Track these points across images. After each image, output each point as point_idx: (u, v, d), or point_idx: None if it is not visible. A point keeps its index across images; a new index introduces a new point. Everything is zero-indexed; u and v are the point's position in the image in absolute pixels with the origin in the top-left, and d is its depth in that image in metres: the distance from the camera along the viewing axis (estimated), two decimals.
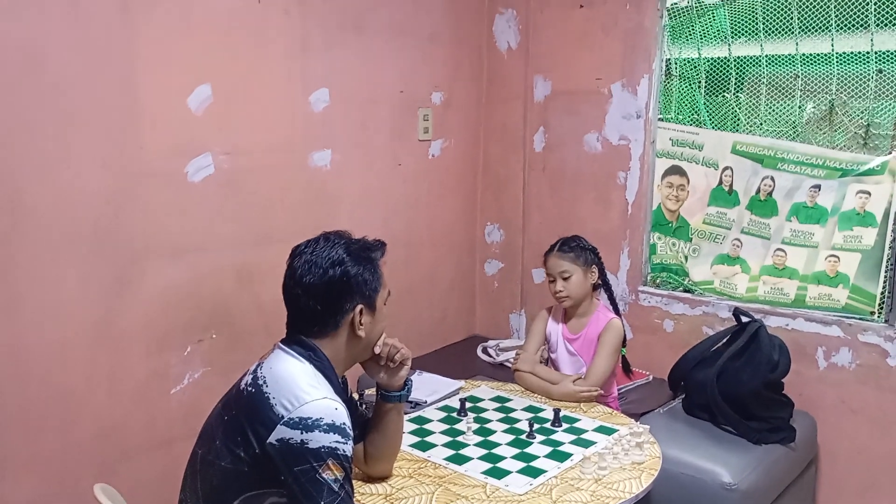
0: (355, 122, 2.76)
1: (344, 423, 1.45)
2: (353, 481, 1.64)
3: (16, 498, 1.98)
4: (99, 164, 2.06)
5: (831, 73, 2.66)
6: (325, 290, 1.54)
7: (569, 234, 2.60)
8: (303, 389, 1.45)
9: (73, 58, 1.98)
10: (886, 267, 2.52)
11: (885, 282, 2.53)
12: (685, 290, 2.96)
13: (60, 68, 1.96)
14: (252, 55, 2.39)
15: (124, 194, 2.13)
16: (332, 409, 1.44)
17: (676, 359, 2.57)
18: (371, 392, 1.80)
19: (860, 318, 2.57)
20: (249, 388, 1.50)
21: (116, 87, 2.08)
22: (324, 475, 1.40)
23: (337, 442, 1.42)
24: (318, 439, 1.40)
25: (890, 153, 2.52)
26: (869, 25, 2.56)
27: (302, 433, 1.40)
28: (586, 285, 2.39)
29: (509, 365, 2.97)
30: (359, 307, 1.56)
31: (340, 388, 1.58)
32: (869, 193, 2.55)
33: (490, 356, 3.10)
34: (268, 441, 1.41)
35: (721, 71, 2.88)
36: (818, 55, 2.70)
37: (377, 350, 1.66)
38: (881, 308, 2.55)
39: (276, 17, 2.43)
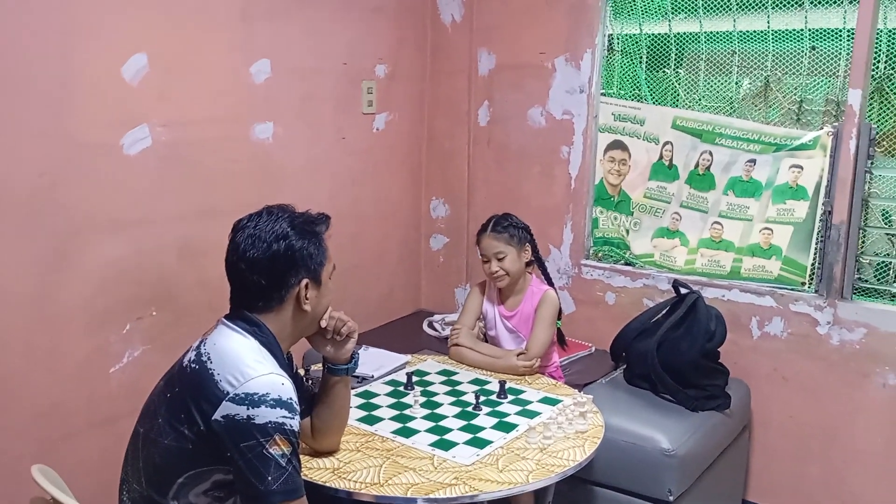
0: (298, 95, 2.71)
1: (290, 398, 1.44)
2: (301, 456, 1.64)
3: None
4: (32, 135, 1.98)
5: (767, 51, 2.72)
6: (270, 265, 1.52)
7: (512, 208, 2.63)
8: (248, 365, 1.44)
9: (4, 26, 1.89)
10: (817, 239, 2.61)
11: (815, 253, 2.62)
12: (626, 264, 3.02)
13: None
14: (190, 23, 2.32)
15: (60, 167, 2.05)
16: (278, 384, 1.43)
17: (618, 330, 2.63)
18: (317, 368, 1.79)
19: (792, 289, 2.66)
20: (193, 365, 1.48)
21: (49, 54, 1.99)
22: (271, 450, 1.39)
23: (284, 417, 1.41)
24: (264, 415, 1.39)
25: (822, 128, 2.60)
26: (803, 4, 2.62)
27: (248, 409, 1.39)
28: (520, 264, 2.42)
29: None
30: (304, 281, 1.55)
31: (286, 364, 1.57)
32: (801, 168, 2.64)
33: (436, 330, 3.11)
34: (213, 418, 1.40)
35: (662, 47, 2.92)
36: (755, 32, 2.76)
37: (323, 324, 1.65)
38: (811, 279, 2.64)
39: None
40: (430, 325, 3.16)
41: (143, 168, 2.25)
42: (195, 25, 2.33)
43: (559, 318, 2.49)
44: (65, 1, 2.00)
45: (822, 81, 2.65)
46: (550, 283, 2.53)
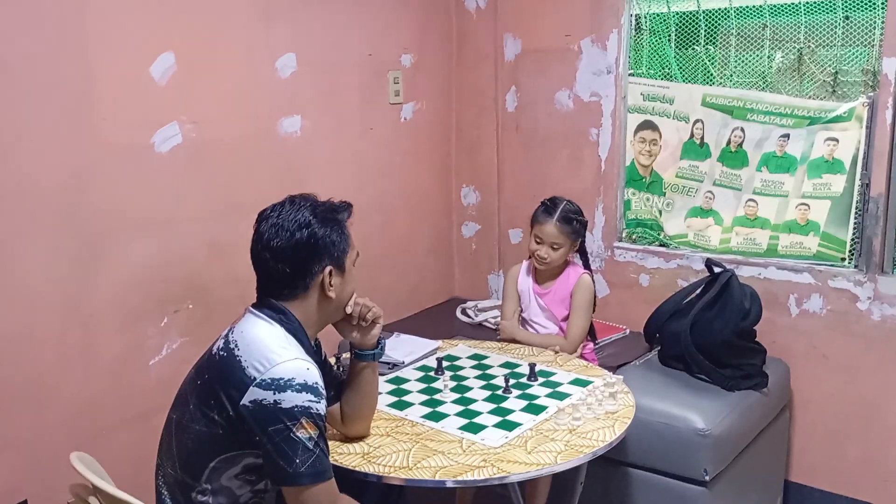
0: (324, 88, 2.74)
1: (316, 383, 1.46)
2: (331, 442, 1.67)
3: None
4: (60, 139, 2.03)
5: (799, 23, 2.66)
6: (293, 253, 1.54)
7: (542, 193, 2.62)
8: (274, 351, 1.47)
9: (28, 29, 1.94)
10: (855, 213, 2.55)
11: (854, 228, 2.56)
12: (660, 245, 2.98)
13: (13, 41, 1.92)
14: (216, 21, 2.36)
15: (89, 168, 2.10)
16: (303, 368, 1.46)
17: (652, 312, 2.60)
18: (348, 356, 1.82)
19: (830, 265, 2.61)
20: (221, 353, 1.52)
21: (77, 56, 2.04)
22: (298, 434, 1.42)
23: (310, 401, 1.44)
24: (290, 399, 1.42)
25: (857, 100, 2.53)
26: None
27: (275, 394, 1.42)
28: (568, 255, 2.43)
29: (487, 325, 3.01)
30: (328, 268, 1.57)
31: (312, 350, 1.60)
32: (837, 140, 2.57)
33: (469, 317, 3.12)
34: (241, 403, 1.43)
35: (690, 24, 2.87)
36: (786, 5, 2.70)
37: (348, 310, 1.67)
38: (851, 254, 2.58)
39: None
40: (464, 312, 3.17)
41: (173, 165, 2.29)
42: (220, 23, 2.37)
43: (594, 304, 2.49)
44: (93, 3, 2.05)
45: (857, 52, 2.58)
46: (587, 267, 2.52)
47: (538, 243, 2.41)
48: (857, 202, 2.55)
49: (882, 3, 2.45)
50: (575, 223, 2.41)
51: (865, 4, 2.51)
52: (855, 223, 2.56)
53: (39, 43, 1.98)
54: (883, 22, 2.44)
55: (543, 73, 3.09)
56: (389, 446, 1.77)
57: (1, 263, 1.95)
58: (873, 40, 2.51)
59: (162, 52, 2.22)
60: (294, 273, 1.56)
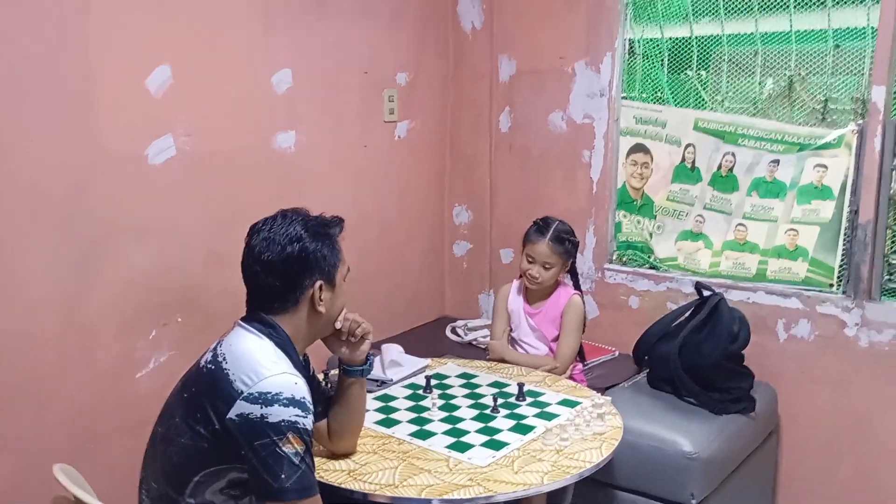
0: (320, 104, 2.75)
1: (304, 398, 1.46)
2: (317, 458, 1.66)
3: None
4: (58, 147, 2.03)
5: (790, 50, 2.69)
6: (284, 267, 1.54)
7: (535, 214, 2.63)
8: (262, 365, 1.47)
9: (27, 39, 1.95)
10: (844, 239, 2.57)
11: (842, 254, 2.58)
12: (650, 267, 3.00)
13: (13, 50, 1.93)
14: (213, 35, 2.37)
15: (86, 178, 2.10)
16: (291, 383, 1.45)
17: (641, 334, 2.61)
18: (336, 372, 1.81)
19: (819, 290, 2.62)
20: (209, 366, 1.51)
21: (76, 66, 2.05)
22: (284, 449, 1.41)
23: (297, 416, 1.43)
24: (277, 413, 1.41)
25: (846, 127, 2.56)
26: (826, 3, 2.59)
27: (262, 408, 1.41)
28: (559, 275, 2.44)
29: (477, 344, 3.01)
30: (318, 283, 1.57)
31: (301, 365, 1.59)
32: (826, 167, 2.60)
33: (458, 336, 3.12)
34: (227, 416, 1.42)
35: (683, 49, 2.90)
36: (777, 33, 2.74)
37: (338, 325, 1.67)
38: (839, 280, 2.60)
39: None
40: (453, 331, 3.17)
41: (167, 177, 2.30)
42: (217, 37, 2.38)
43: (584, 325, 2.50)
44: (91, 14, 2.06)
45: (847, 80, 2.62)
46: (578, 288, 2.53)
47: (530, 262, 2.42)
48: (845, 228, 2.57)
49: (872, 33, 2.49)
50: (567, 243, 2.42)
51: (856, 34, 2.55)
52: (843, 249, 2.58)
53: (43, 51, 1.98)
54: (873, 51, 2.48)
55: (537, 95, 3.11)
56: (376, 463, 1.76)
57: (0, 264, 1.95)
58: (863, 69, 2.54)
59: (158, 64, 2.23)
60: (284, 287, 1.56)
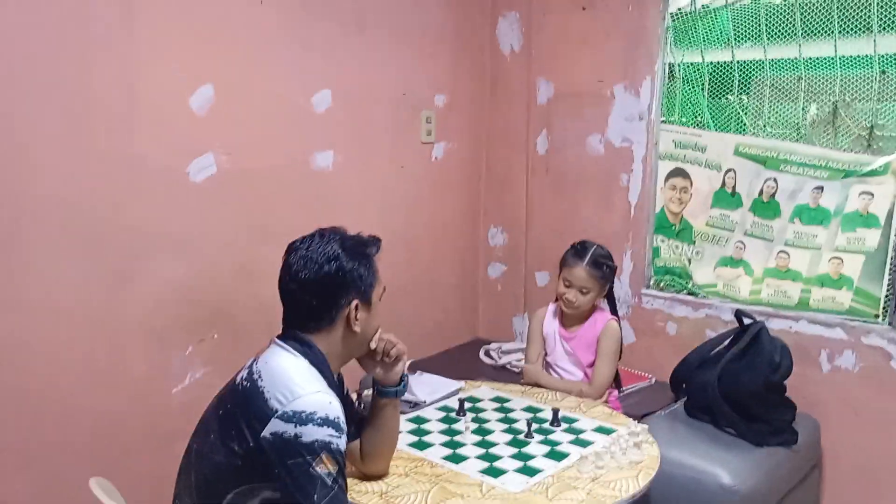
0: (358, 124, 2.77)
1: (338, 418, 1.45)
2: (349, 479, 1.64)
3: (12, 495, 1.99)
4: (99, 162, 2.07)
5: (835, 76, 2.65)
6: (321, 286, 1.54)
7: (571, 238, 2.60)
8: (297, 384, 1.46)
9: (74, 56, 2.00)
10: (890, 269, 2.50)
11: (888, 284, 2.51)
12: (688, 293, 2.95)
13: (61, 67, 1.97)
14: (254, 56, 2.40)
15: (125, 193, 2.14)
16: (325, 402, 1.44)
17: (679, 361, 2.56)
18: (370, 392, 1.80)
19: (864, 321, 2.55)
20: (245, 383, 1.51)
21: (117, 86, 2.09)
22: (317, 469, 1.40)
23: (331, 436, 1.42)
24: (311, 433, 1.40)
25: (893, 154, 2.50)
26: (872, 28, 2.55)
27: (296, 427, 1.41)
28: (596, 299, 2.41)
29: (511, 368, 2.98)
30: (354, 302, 1.57)
31: (336, 384, 1.58)
32: (872, 194, 2.54)
33: (492, 359, 3.09)
34: (262, 435, 1.42)
35: (724, 74, 2.88)
36: (822, 59, 2.70)
37: (373, 345, 1.66)
38: (885, 311, 2.53)
39: (278, 17, 2.45)
40: (487, 354, 3.14)
41: (206, 194, 2.32)
42: (259, 57, 2.42)
43: (621, 351, 2.46)
44: (137, 35, 2.11)
45: (893, 106, 2.56)
46: (615, 313, 2.50)
47: (567, 287, 2.39)
48: (891, 258, 2.50)
49: None
50: (605, 268, 2.39)
51: None
52: (889, 279, 2.51)
53: (90, 66, 2.03)
54: None
55: (575, 117, 3.10)
56: (408, 486, 1.74)
57: (36, 278, 1.99)
58: None
59: (202, 84, 2.27)
60: (321, 305, 1.55)
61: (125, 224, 2.15)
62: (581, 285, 2.37)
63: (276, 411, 1.42)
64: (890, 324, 2.51)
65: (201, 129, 2.29)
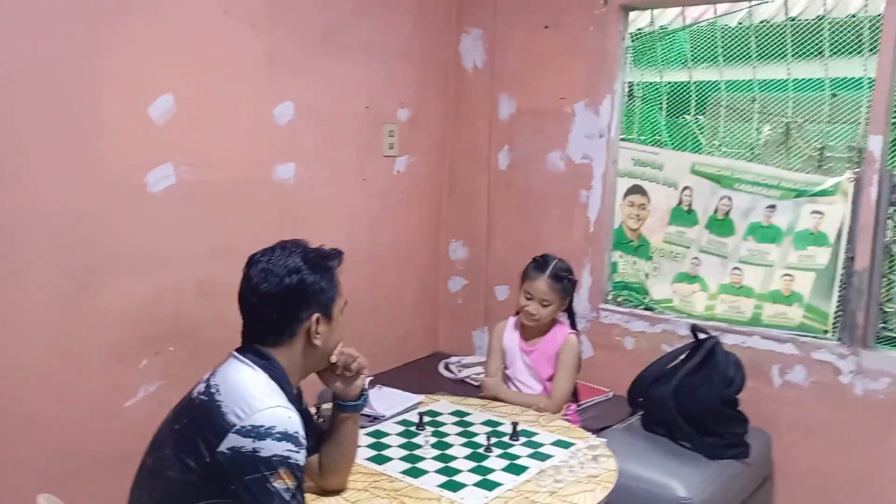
0: (320, 137, 2.76)
1: (297, 432, 1.43)
2: (307, 494, 1.62)
3: None
4: (57, 173, 2.04)
5: (787, 98, 2.73)
6: (282, 299, 1.53)
7: (531, 252, 2.63)
8: (255, 397, 1.44)
9: (35, 66, 1.96)
10: (839, 286, 2.57)
11: (838, 301, 2.58)
12: (646, 308, 2.99)
13: (20, 76, 1.94)
14: (217, 67, 2.39)
15: (83, 204, 2.10)
16: (285, 417, 1.43)
17: (636, 375, 2.59)
18: (328, 406, 1.79)
19: (814, 337, 2.62)
20: (202, 397, 1.48)
21: (77, 95, 2.06)
22: (275, 484, 1.38)
23: (289, 451, 1.40)
24: (270, 448, 1.39)
25: (843, 175, 2.58)
26: (823, 52, 2.64)
27: (254, 441, 1.39)
28: (557, 313, 2.43)
29: (470, 382, 2.99)
30: (315, 316, 1.56)
31: (295, 398, 1.57)
32: (822, 213, 2.61)
33: (452, 372, 3.10)
34: (218, 449, 1.39)
35: (682, 94, 2.94)
36: (775, 81, 2.78)
37: (333, 359, 1.64)
38: (835, 327, 2.60)
39: (242, 29, 2.44)
40: (447, 368, 3.15)
41: (165, 206, 2.29)
42: (222, 68, 2.40)
43: (579, 365, 2.48)
44: (96, 43, 2.08)
45: (843, 129, 2.65)
46: (574, 327, 2.52)
47: (528, 299, 2.41)
48: (841, 275, 2.58)
49: (869, 83, 2.53)
50: (565, 281, 2.42)
51: (852, 83, 2.59)
52: (839, 296, 2.59)
53: (46, 76, 2.00)
54: (869, 101, 2.51)
55: (537, 134, 3.14)
56: (367, 501, 1.73)
57: None
58: (859, 118, 2.58)
59: (162, 93, 2.24)
60: (281, 319, 1.54)
61: (85, 237, 2.11)
62: (542, 298, 2.39)
63: (234, 426, 1.40)
64: (839, 339, 2.58)
65: (160, 139, 2.26)
